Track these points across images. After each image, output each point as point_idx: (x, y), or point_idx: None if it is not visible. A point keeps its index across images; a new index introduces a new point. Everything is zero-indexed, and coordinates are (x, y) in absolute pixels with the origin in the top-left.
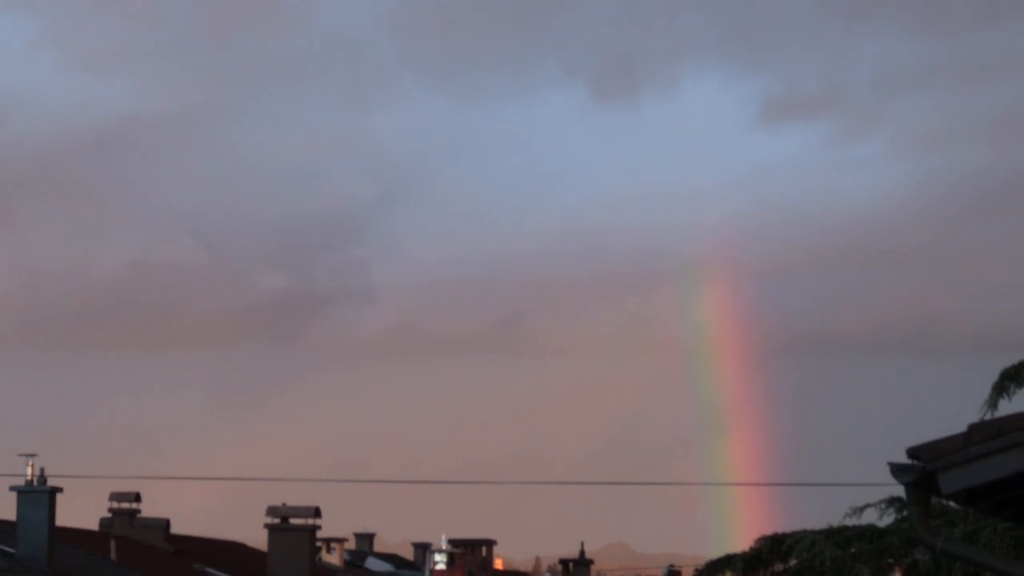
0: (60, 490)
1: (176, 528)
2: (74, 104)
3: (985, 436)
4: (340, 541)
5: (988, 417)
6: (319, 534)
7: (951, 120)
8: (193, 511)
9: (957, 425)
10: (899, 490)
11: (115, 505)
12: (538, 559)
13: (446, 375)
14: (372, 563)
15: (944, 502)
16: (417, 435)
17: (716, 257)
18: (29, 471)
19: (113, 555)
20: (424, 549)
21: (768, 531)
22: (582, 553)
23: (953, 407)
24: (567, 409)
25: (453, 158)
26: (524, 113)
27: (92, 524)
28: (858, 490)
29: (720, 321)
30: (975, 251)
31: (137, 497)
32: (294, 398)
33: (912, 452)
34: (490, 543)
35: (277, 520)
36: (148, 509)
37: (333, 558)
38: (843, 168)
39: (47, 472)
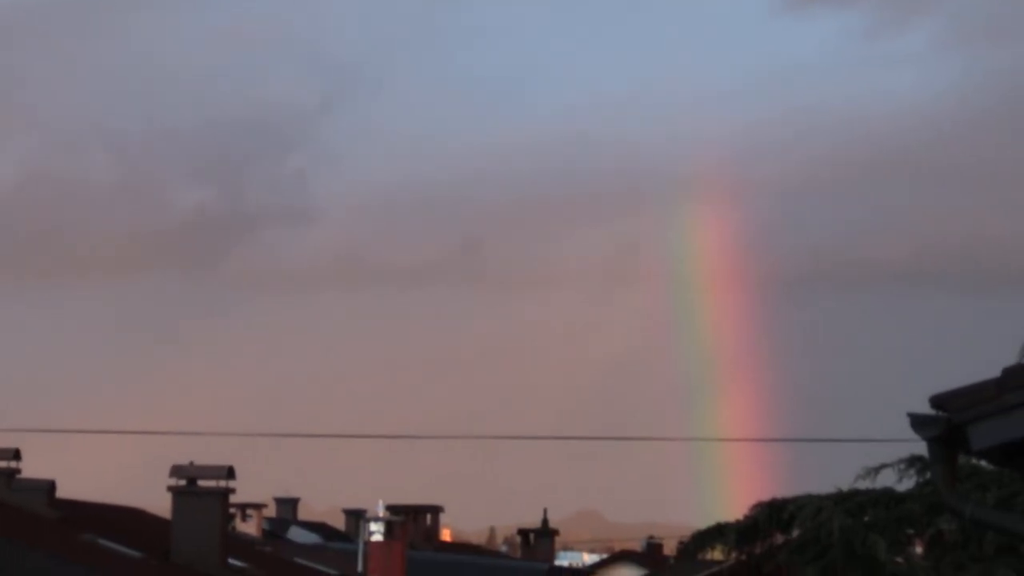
0: None
1: (63, 491)
2: None
3: (1023, 382)
4: (258, 507)
5: None
6: (233, 499)
7: (1019, 5)
8: (83, 471)
9: (996, 370)
10: (921, 447)
11: None
12: (492, 529)
13: (394, 311)
14: (295, 533)
15: (974, 461)
16: (358, 383)
17: (723, 174)
18: None
19: None
20: (357, 517)
21: (766, 496)
22: (545, 522)
23: (997, 349)
24: (537, 354)
25: (407, 52)
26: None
27: None
28: (873, 448)
29: (723, 250)
30: None
31: (16, 455)
32: (210, 338)
33: (936, 401)
34: (436, 510)
35: (183, 482)
36: (29, 469)
37: (249, 527)
38: (883, 65)
39: None
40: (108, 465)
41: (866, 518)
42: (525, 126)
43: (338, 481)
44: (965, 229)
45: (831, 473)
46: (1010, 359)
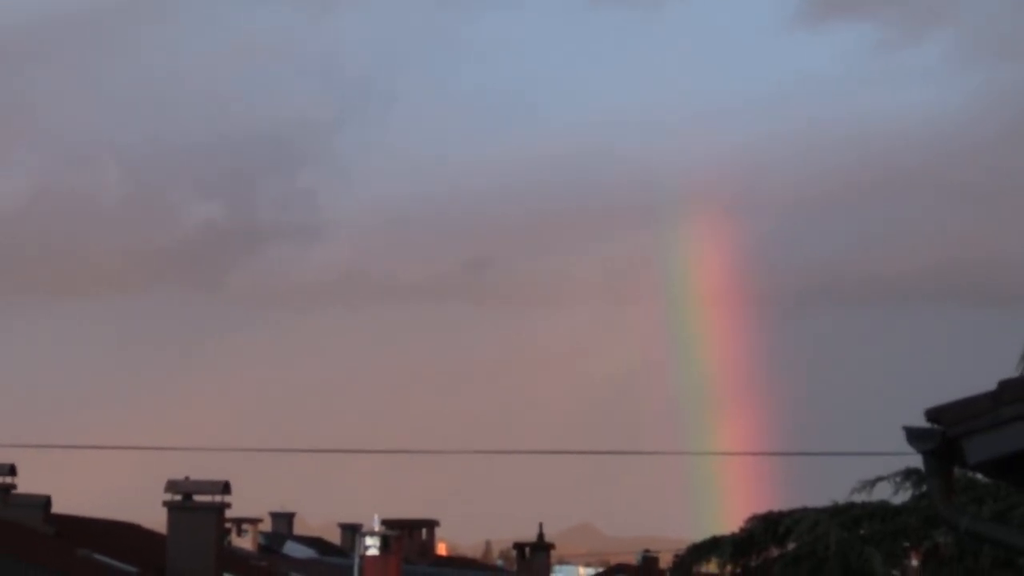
0: None
1: (58, 507)
2: None
3: (1018, 395)
4: (254, 522)
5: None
6: (229, 513)
7: None
8: (79, 486)
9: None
10: (916, 460)
11: None
12: (488, 543)
13: (397, 328)
14: (291, 548)
15: (970, 474)
16: (360, 399)
17: (732, 189)
18: None
19: None
20: (353, 531)
21: (761, 510)
22: (541, 536)
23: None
24: (540, 370)
25: (419, 69)
26: (508, 14)
27: None
28: (869, 461)
29: (728, 266)
30: None
31: (12, 470)
32: (213, 353)
33: (932, 414)
34: (432, 524)
35: (178, 497)
36: (25, 484)
37: (245, 542)
38: (896, 79)
39: None
40: (104, 480)
41: (862, 531)
42: (534, 142)
43: (334, 495)
44: (974, 244)
45: (827, 486)
46: (1012, 372)
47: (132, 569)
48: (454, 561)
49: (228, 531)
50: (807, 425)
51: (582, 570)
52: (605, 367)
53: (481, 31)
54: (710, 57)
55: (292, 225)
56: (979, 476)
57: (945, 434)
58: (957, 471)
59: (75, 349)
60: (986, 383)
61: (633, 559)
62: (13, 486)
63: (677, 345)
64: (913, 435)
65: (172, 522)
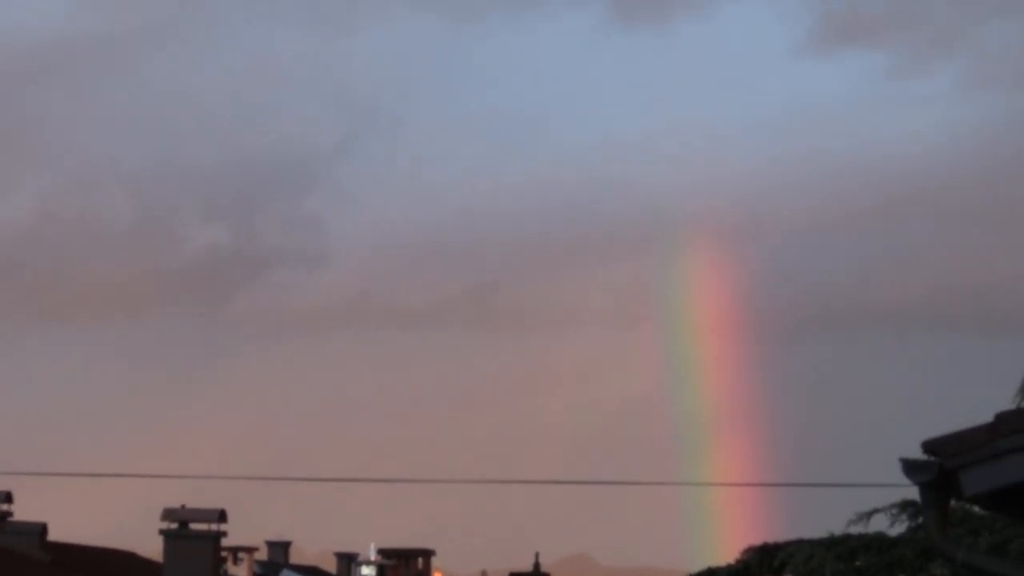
0: None
1: (55, 534)
2: None
3: (1015, 428)
4: (250, 551)
5: (1021, 405)
6: (225, 542)
7: None
8: (75, 514)
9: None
10: (913, 492)
11: None
12: (484, 573)
13: (402, 353)
14: None
15: (966, 506)
16: (361, 426)
17: (737, 215)
18: None
19: None
20: (349, 560)
21: (758, 541)
22: (537, 566)
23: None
24: (540, 397)
25: (428, 94)
26: (524, 36)
27: None
28: (865, 492)
29: (729, 293)
30: None
31: (8, 497)
32: (214, 380)
33: (929, 446)
34: (428, 553)
35: (175, 525)
36: (22, 511)
37: (241, 570)
38: (905, 105)
39: None
40: (100, 508)
41: (857, 563)
42: (541, 167)
43: (330, 524)
44: (979, 272)
45: (824, 517)
46: (1009, 404)
47: None
48: None
49: (224, 560)
50: (804, 455)
51: None
52: (605, 395)
53: (491, 56)
54: (718, 83)
55: (297, 250)
56: (976, 508)
57: (942, 466)
58: (954, 503)
59: (74, 374)
60: (984, 414)
61: None
62: (9, 513)
63: (677, 373)
64: (910, 467)
65: (168, 550)
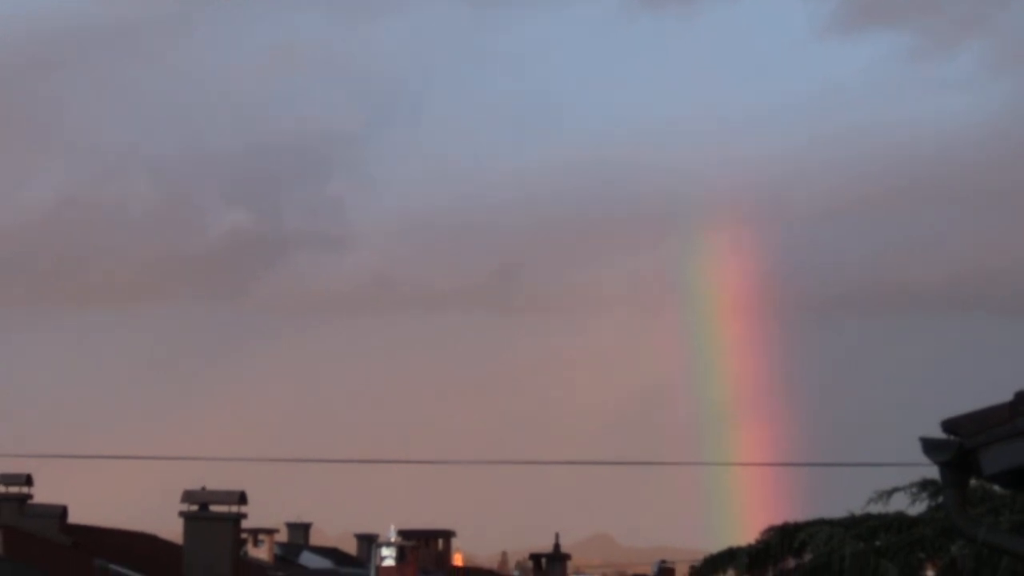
0: None
1: (75, 517)
2: (5, 15)
3: None
4: (270, 532)
5: None
6: (245, 524)
7: None
8: (96, 496)
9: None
10: (933, 471)
11: (2, 489)
12: (504, 554)
13: (425, 337)
14: (307, 558)
15: (987, 485)
16: (384, 408)
17: (760, 198)
18: None
19: None
20: (369, 542)
21: (777, 521)
22: (557, 546)
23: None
24: (563, 380)
25: (449, 78)
26: (544, 20)
27: None
28: (885, 472)
29: (753, 275)
30: None
31: (28, 480)
32: (237, 363)
33: (948, 425)
34: (448, 535)
35: (195, 507)
36: (42, 494)
37: (261, 552)
38: (930, 88)
39: None
40: (121, 490)
41: (877, 543)
42: (563, 150)
43: (351, 506)
44: (1000, 253)
45: (844, 497)
46: None
47: None
48: (470, 572)
49: (244, 541)
50: (824, 435)
51: None
52: (627, 377)
53: (512, 40)
54: (741, 66)
55: (320, 234)
56: (995, 487)
57: (962, 445)
58: (974, 482)
59: (96, 358)
60: (1004, 393)
61: (649, 570)
62: (30, 496)
63: (699, 355)
64: (929, 446)
65: (188, 532)
